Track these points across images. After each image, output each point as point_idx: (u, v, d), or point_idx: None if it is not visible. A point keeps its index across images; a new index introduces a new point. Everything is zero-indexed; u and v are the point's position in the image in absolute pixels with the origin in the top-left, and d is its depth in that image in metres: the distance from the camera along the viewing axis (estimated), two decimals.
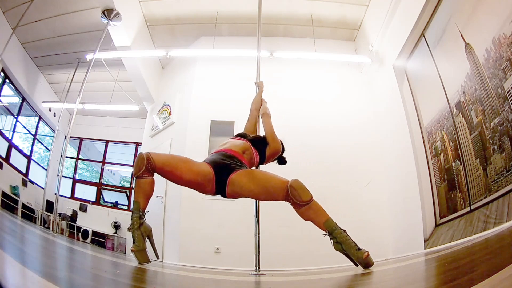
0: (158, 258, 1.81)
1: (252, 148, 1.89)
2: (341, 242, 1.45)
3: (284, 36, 5.12)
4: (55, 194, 4.89)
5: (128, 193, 8.27)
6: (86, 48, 5.34)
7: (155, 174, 1.62)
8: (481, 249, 1.36)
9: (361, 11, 4.63)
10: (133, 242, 1.52)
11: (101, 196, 8.07)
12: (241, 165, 1.70)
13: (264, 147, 1.97)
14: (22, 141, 6.96)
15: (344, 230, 1.49)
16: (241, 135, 2.06)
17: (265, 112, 2.22)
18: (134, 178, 1.61)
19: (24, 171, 6.57)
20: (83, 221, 7.10)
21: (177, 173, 1.62)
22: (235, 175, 1.60)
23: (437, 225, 2.89)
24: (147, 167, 1.56)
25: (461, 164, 2.57)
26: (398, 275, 1.34)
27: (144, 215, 1.57)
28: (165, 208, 4.42)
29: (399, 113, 3.62)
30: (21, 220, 4.97)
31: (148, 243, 1.57)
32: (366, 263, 1.42)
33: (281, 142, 2.08)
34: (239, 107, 4.40)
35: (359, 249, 1.43)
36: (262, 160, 1.99)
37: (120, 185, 9.75)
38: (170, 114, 5.12)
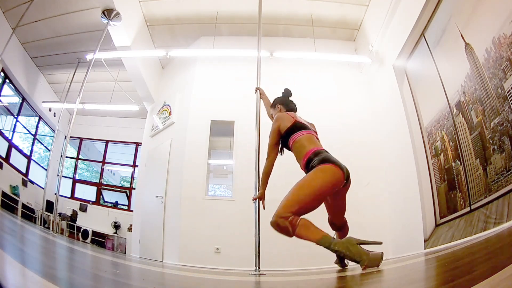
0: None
1: None
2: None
3: (284, 36, 5.12)
4: (55, 194, 4.89)
5: (128, 193, 8.27)
6: (86, 48, 5.35)
7: None
8: (481, 249, 1.36)
9: (361, 11, 4.63)
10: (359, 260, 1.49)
11: (101, 196, 8.07)
12: None
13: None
14: (22, 141, 6.96)
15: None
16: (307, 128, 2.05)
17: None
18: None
19: (24, 171, 6.57)
20: (83, 221, 7.10)
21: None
22: None
23: (437, 225, 2.89)
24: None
25: (461, 164, 2.57)
26: (398, 275, 1.34)
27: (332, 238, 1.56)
28: (165, 208, 4.42)
29: (399, 113, 3.62)
30: (21, 220, 4.97)
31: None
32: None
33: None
34: (239, 107, 4.43)
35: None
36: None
37: (120, 185, 9.75)
38: (170, 114, 5.12)
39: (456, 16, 2.64)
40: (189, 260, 3.70)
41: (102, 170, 8.57)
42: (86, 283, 0.90)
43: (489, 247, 1.32)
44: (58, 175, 6.27)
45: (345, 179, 1.75)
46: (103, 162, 8.43)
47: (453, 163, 2.70)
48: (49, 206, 6.17)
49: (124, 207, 7.94)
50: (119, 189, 8.60)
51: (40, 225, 5.84)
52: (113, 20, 4.25)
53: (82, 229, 6.80)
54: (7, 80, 5.87)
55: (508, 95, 2.01)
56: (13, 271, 0.73)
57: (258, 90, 2.78)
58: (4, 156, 5.89)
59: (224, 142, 4.94)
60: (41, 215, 6.03)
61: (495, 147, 2.14)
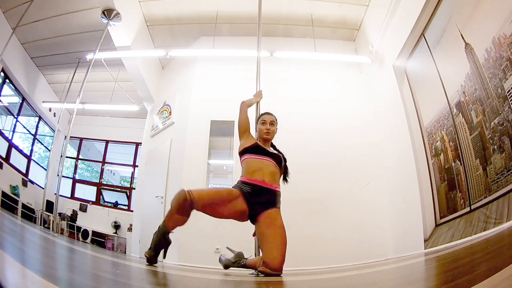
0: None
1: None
2: None
3: (284, 36, 5.12)
4: (55, 194, 4.89)
5: (128, 193, 8.27)
6: (86, 48, 5.35)
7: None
8: (481, 249, 1.36)
9: (361, 11, 4.63)
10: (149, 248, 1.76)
11: (101, 196, 8.07)
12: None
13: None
14: (22, 141, 6.96)
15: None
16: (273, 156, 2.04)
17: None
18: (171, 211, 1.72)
19: (24, 171, 6.57)
20: (83, 221, 7.10)
21: (217, 213, 1.85)
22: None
23: (437, 225, 2.89)
24: (187, 207, 1.68)
25: (461, 164, 2.57)
26: (398, 275, 1.34)
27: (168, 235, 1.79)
28: (165, 208, 4.41)
29: (399, 113, 3.62)
30: (21, 220, 4.97)
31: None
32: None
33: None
34: (239, 107, 4.42)
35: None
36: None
37: (120, 185, 9.75)
38: (170, 114, 5.12)
39: (456, 16, 2.64)
40: (189, 260, 3.69)
41: (102, 170, 8.57)
42: (86, 283, 0.90)
43: (489, 247, 1.32)
44: (58, 175, 6.26)
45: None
46: (103, 162, 8.43)
47: (453, 163, 2.70)
48: (49, 206, 6.17)
49: (124, 207, 7.94)
50: (119, 189, 8.60)
51: (40, 225, 5.83)
52: (113, 20, 4.25)
53: (82, 229, 6.80)
54: (7, 80, 5.87)
55: (508, 95, 2.01)
56: (13, 271, 0.73)
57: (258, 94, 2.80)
58: (4, 156, 5.89)
59: (224, 142, 4.93)
60: (41, 215, 6.03)
61: (495, 147, 2.14)
